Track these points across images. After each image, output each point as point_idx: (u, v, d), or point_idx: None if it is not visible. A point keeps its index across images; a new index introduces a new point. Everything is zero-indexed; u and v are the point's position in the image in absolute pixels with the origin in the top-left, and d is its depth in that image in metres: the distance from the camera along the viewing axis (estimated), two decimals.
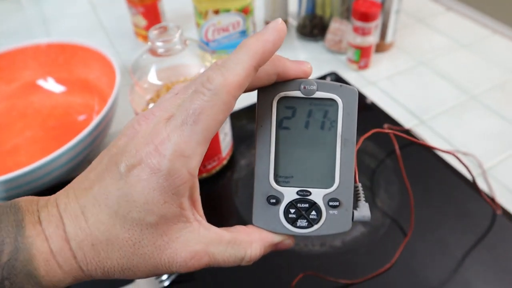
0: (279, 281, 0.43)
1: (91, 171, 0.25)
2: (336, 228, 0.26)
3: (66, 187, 0.25)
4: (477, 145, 0.57)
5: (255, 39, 0.23)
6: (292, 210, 0.26)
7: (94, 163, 0.25)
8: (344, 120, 0.26)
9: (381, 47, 0.74)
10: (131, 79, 0.50)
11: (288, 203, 0.26)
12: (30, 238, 0.23)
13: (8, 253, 0.22)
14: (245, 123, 0.62)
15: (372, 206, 0.50)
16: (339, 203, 0.26)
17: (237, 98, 0.24)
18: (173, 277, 0.44)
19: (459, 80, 0.69)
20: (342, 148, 0.26)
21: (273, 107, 0.26)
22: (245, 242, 0.26)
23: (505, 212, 0.48)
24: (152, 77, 0.49)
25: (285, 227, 0.26)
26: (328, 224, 0.26)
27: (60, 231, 0.23)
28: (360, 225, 0.48)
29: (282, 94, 0.26)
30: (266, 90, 0.26)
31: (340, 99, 0.26)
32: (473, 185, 0.51)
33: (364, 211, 0.27)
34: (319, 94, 0.26)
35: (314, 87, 0.26)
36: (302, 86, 0.26)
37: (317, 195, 0.26)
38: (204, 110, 0.22)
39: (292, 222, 0.26)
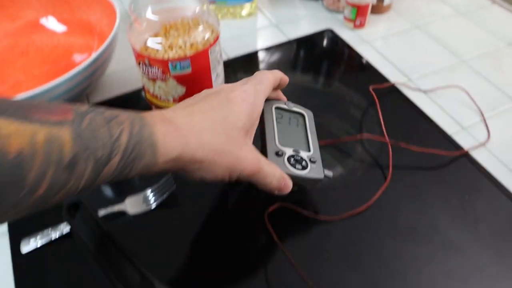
0: (256, 208, 0.46)
1: (189, 101, 0.37)
2: (316, 174, 0.41)
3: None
4: (460, 104, 0.59)
5: (283, 74, 0.44)
6: (291, 160, 0.41)
7: (187, 99, 0.38)
8: (309, 123, 0.47)
9: (378, 9, 0.76)
10: (130, 17, 0.52)
11: (289, 155, 0.41)
12: (151, 122, 0.31)
13: (138, 126, 0.30)
14: (242, 75, 0.64)
15: (355, 152, 0.53)
16: (316, 161, 0.42)
17: (272, 88, 0.43)
18: (158, 201, 0.47)
19: (452, 45, 0.70)
20: (310, 135, 0.45)
21: (273, 110, 0.45)
22: (274, 166, 0.38)
23: (480, 166, 0.51)
24: (151, 15, 0.51)
25: (289, 169, 0.40)
26: (312, 171, 0.41)
27: (172, 123, 0.33)
28: (341, 167, 0.51)
29: (277, 105, 0.46)
30: (271, 101, 0.46)
31: (305, 113, 0.47)
32: (450, 138, 0.54)
33: (329, 172, 0.43)
34: (294, 109, 0.47)
35: (292, 105, 0.47)
36: (286, 104, 0.47)
37: (303, 154, 0.42)
38: (263, 80, 0.41)
39: (293, 166, 0.40)
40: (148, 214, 0.46)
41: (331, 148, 0.53)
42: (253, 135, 0.39)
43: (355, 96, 0.60)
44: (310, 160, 0.42)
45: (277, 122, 0.44)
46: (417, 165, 0.51)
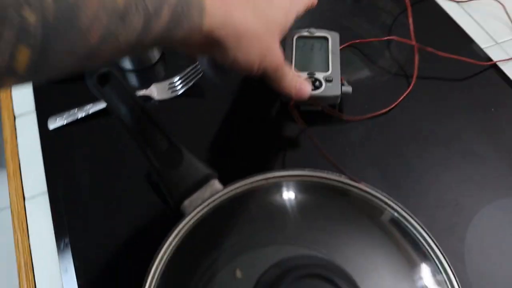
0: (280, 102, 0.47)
1: None
2: (331, 92, 0.44)
3: None
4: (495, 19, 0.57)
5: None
6: None
7: None
8: (332, 45, 0.47)
9: None
10: None
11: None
12: None
13: None
14: None
15: (383, 57, 0.52)
16: (332, 80, 0.44)
17: (304, 12, 0.42)
18: (184, 88, 0.47)
19: None
20: (332, 55, 0.47)
21: (294, 40, 0.48)
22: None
23: (508, 79, 0.50)
24: None
25: None
26: (327, 90, 0.44)
27: None
28: (366, 69, 0.50)
29: (299, 35, 0.48)
30: (292, 31, 0.48)
31: (329, 36, 0.48)
32: (480, 49, 0.52)
33: (348, 88, 0.45)
34: (317, 34, 0.48)
35: (315, 31, 0.49)
36: (308, 31, 0.48)
37: (319, 75, 0.45)
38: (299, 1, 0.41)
39: None
40: (173, 101, 0.47)
41: (359, 52, 0.52)
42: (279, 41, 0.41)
43: (388, 3, 0.58)
44: (325, 79, 0.44)
45: (296, 51, 0.47)
46: (443, 73, 0.50)
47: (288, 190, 0.32)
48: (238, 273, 0.30)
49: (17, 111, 0.49)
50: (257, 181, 0.32)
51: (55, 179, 0.43)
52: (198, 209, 0.31)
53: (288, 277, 0.25)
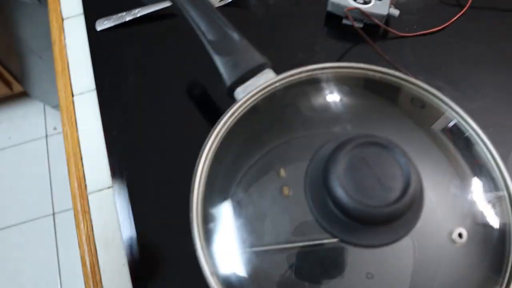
0: None
1: None
2: (378, 10, 0.44)
3: None
4: None
5: None
6: None
7: None
8: None
9: None
10: None
11: None
12: None
13: None
14: None
15: None
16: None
17: None
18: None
19: None
20: None
21: None
22: None
23: None
24: None
25: (349, 2, 0.43)
26: (374, 7, 0.44)
27: None
28: None
29: None
30: None
31: None
32: None
33: (395, 11, 0.44)
34: None
35: None
36: None
37: None
38: None
39: (354, 0, 0.43)
40: (222, 8, 0.46)
41: None
42: None
43: None
44: None
45: None
46: (500, 4, 0.49)
47: (344, 83, 0.32)
48: (282, 172, 0.30)
49: (65, 13, 0.49)
50: (313, 70, 0.32)
51: (103, 77, 0.44)
52: (250, 94, 0.31)
53: (346, 145, 0.25)
